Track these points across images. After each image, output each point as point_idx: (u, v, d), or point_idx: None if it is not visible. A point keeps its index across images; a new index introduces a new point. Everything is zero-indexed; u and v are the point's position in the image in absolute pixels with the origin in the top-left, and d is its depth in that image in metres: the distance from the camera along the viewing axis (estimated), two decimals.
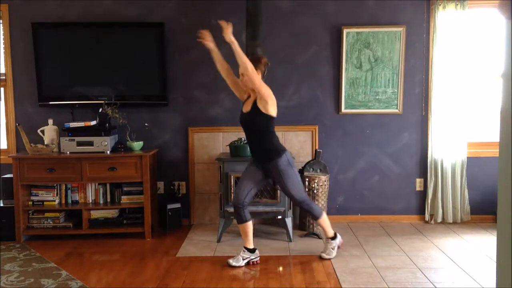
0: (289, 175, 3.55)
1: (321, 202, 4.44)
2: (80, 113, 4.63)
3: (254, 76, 3.38)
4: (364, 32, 4.59)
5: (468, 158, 4.62)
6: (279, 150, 3.55)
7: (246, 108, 3.56)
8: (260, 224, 4.68)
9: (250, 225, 3.65)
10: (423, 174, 4.75)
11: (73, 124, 4.38)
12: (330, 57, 4.67)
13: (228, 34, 3.39)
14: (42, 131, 4.46)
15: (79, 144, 4.31)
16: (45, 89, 4.56)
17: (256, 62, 3.50)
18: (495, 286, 1.80)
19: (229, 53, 4.63)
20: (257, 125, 3.50)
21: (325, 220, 3.72)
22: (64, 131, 4.37)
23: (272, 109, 3.47)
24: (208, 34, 3.63)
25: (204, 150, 4.74)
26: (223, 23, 3.42)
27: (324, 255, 3.72)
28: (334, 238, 3.75)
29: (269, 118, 3.49)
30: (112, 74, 4.62)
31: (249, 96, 3.61)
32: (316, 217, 3.73)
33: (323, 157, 4.63)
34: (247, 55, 4.22)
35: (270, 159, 3.53)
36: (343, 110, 4.70)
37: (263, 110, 3.45)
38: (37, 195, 4.40)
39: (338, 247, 3.77)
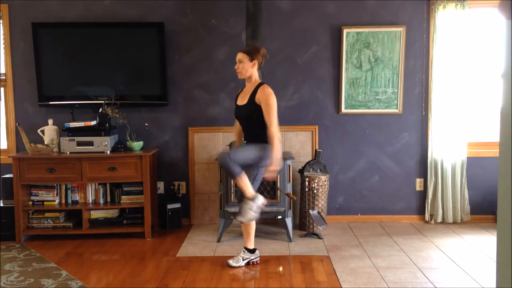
0: (256, 149, 3.42)
1: (321, 202, 4.44)
2: (80, 113, 4.63)
3: (275, 126, 3.43)
4: (364, 32, 4.59)
5: (468, 158, 4.62)
6: None
7: (242, 101, 3.53)
8: (260, 224, 4.67)
9: (253, 224, 3.64)
10: (423, 174, 4.75)
11: (73, 124, 4.38)
12: (330, 57, 4.67)
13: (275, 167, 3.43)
14: (42, 131, 4.46)
15: (79, 144, 4.31)
16: (45, 89, 4.56)
17: (255, 53, 3.49)
18: (495, 286, 1.80)
19: (230, 53, 4.64)
20: (255, 118, 3.45)
21: (243, 179, 3.40)
22: (64, 131, 4.37)
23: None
24: None
25: (204, 150, 4.74)
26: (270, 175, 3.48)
27: (240, 218, 3.49)
28: (253, 199, 3.45)
29: None
30: (112, 74, 4.62)
31: (241, 90, 3.63)
32: (233, 176, 3.40)
33: (323, 157, 4.63)
34: None
35: (264, 142, 3.45)
36: (343, 110, 4.70)
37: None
38: (37, 195, 4.40)
39: (260, 208, 3.50)
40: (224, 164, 3.35)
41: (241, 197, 3.56)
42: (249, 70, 3.49)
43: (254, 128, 3.51)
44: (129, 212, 4.52)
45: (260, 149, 3.44)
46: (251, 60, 3.47)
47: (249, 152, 3.42)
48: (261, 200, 3.50)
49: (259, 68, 3.55)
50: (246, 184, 3.43)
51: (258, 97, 3.43)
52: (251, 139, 3.57)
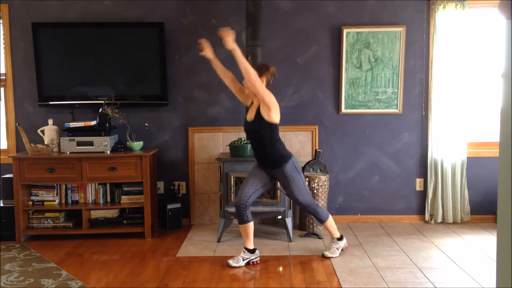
0: (296, 181, 3.57)
1: (321, 202, 4.44)
2: (80, 113, 4.64)
3: (257, 83, 3.38)
4: (364, 32, 4.59)
5: (468, 158, 4.62)
6: (285, 156, 3.56)
7: (250, 116, 3.57)
8: (260, 224, 4.68)
9: (251, 225, 3.65)
10: (423, 174, 4.74)
11: (73, 124, 4.38)
12: (330, 57, 4.67)
13: (229, 42, 3.34)
14: (42, 131, 4.46)
15: (79, 144, 4.31)
16: (45, 89, 4.56)
17: (264, 69, 3.52)
18: (495, 286, 1.80)
19: (230, 53, 4.64)
20: (262, 134, 3.51)
21: (331, 223, 3.77)
22: (64, 131, 4.37)
23: (275, 116, 3.48)
24: (207, 44, 3.63)
25: (204, 150, 4.74)
26: (223, 32, 3.36)
27: (327, 253, 3.74)
28: (340, 239, 3.80)
29: (273, 126, 3.50)
30: (112, 74, 4.61)
31: (252, 102, 3.62)
32: (322, 221, 3.76)
33: (323, 157, 4.63)
34: (247, 55, 4.24)
35: (276, 166, 3.55)
36: (343, 110, 4.70)
37: (266, 118, 3.45)
38: (37, 195, 4.40)
39: (342, 250, 3.81)
40: (312, 213, 3.75)
41: (239, 203, 3.62)
42: None
43: (262, 145, 3.55)
44: (129, 212, 4.52)
45: (299, 180, 3.59)
46: (260, 76, 3.48)
47: (298, 188, 3.59)
48: (345, 241, 3.84)
49: (267, 86, 3.55)
50: (333, 227, 3.77)
51: (261, 109, 3.47)
52: (264, 162, 3.62)
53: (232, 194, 4.16)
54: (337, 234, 3.79)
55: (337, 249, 3.75)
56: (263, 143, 3.54)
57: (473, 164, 4.67)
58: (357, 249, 3.94)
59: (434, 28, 4.53)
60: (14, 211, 4.24)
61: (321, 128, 4.74)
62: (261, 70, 3.51)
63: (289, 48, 4.66)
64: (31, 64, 4.55)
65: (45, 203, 4.40)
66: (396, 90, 4.65)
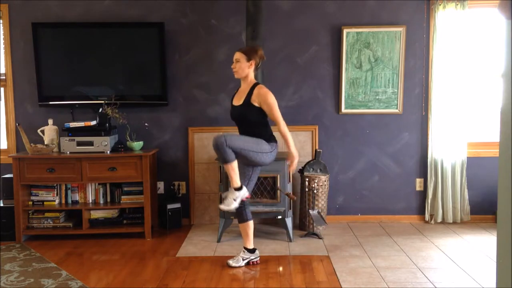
0: (255, 147, 3.40)
1: (321, 202, 4.44)
2: (80, 113, 4.64)
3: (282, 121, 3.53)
4: (364, 32, 4.59)
5: (468, 158, 4.62)
6: (272, 139, 3.52)
7: (238, 101, 3.54)
8: (260, 224, 4.68)
9: (251, 224, 3.64)
10: (423, 174, 4.74)
11: (73, 124, 4.38)
12: (330, 57, 4.67)
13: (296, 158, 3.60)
14: (42, 131, 4.46)
15: (79, 144, 4.31)
16: (45, 89, 4.56)
17: (252, 53, 3.50)
18: (495, 286, 1.80)
19: (230, 53, 4.65)
20: (252, 118, 3.47)
21: (233, 167, 3.41)
22: (64, 131, 4.37)
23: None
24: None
25: (204, 150, 4.74)
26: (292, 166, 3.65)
27: (223, 206, 3.48)
28: (239, 189, 3.47)
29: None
30: (112, 74, 4.62)
31: (237, 90, 3.63)
32: (226, 161, 3.37)
33: (323, 157, 4.63)
34: None
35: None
36: (343, 110, 4.70)
37: (257, 105, 3.44)
38: (37, 195, 4.40)
39: (243, 200, 3.52)
40: (219, 147, 3.30)
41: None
42: (246, 70, 3.49)
43: (250, 129, 3.52)
44: (129, 212, 4.52)
45: (258, 143, 3.43)
46: (248, 60, 3.48)
47: (247, 142, 3.40)
48: (246, 193, 3.51)
49: (256, 69, 3.56)
50: (236, 173, 3.43)
51: (255, 98, 3.44)
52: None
53: None
54: (236, 183, 3.44)
55: (234, 200, 3.44)
56: (253, 128, 3.48)
57: (473, 164, 4.67)
58: (357, 249, 3.94)
59: (434, 28, 4.53)
60: (14, 211, 4.24)
61: (321, 128, 4.74)
62: (250, 54, 3.48)
63: (289, 48, 4.66)
64: (31, 64, 4.56)
65: (45, 203, 4.40)
66: (396, 90, 4.65)
